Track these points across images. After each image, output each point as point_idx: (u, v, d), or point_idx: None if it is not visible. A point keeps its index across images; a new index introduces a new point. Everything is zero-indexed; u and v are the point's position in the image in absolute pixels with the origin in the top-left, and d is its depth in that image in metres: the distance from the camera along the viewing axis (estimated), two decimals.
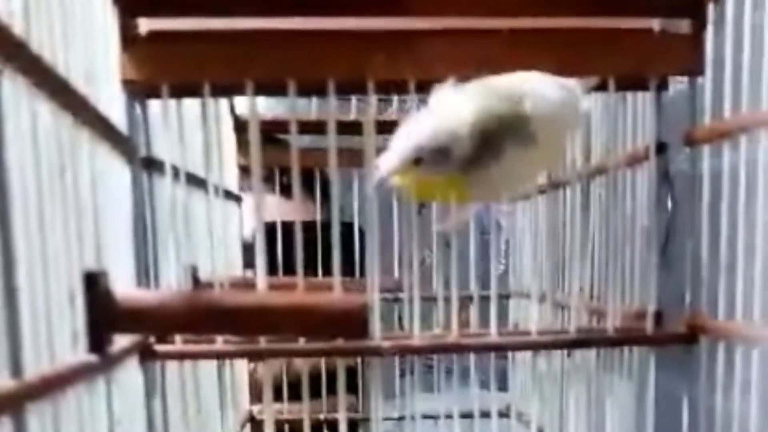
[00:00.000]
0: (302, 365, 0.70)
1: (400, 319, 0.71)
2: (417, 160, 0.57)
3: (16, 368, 0.36)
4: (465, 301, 0.73)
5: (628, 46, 0.64)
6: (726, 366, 0.60)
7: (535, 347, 0.69)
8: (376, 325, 0.65)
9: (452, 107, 0.58)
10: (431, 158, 0.56)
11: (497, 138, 0.58)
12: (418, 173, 0.57)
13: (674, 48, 0.64)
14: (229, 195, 0.94)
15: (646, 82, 0.66)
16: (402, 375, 1.08)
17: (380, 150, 0.64)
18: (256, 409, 1.02)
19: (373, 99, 0.65)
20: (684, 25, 0.64)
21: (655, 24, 0.65)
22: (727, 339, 0.60)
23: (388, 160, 0.57)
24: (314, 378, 1.08)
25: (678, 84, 0.67)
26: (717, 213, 0.61)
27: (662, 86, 0.67)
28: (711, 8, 0.62)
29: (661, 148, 0.67)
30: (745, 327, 0.58)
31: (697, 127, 0.64)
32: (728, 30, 0.60)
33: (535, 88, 0.59)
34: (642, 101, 0.69)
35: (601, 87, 0.66)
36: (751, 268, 0.57)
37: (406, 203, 0.67)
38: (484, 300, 0.71)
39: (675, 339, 0.66)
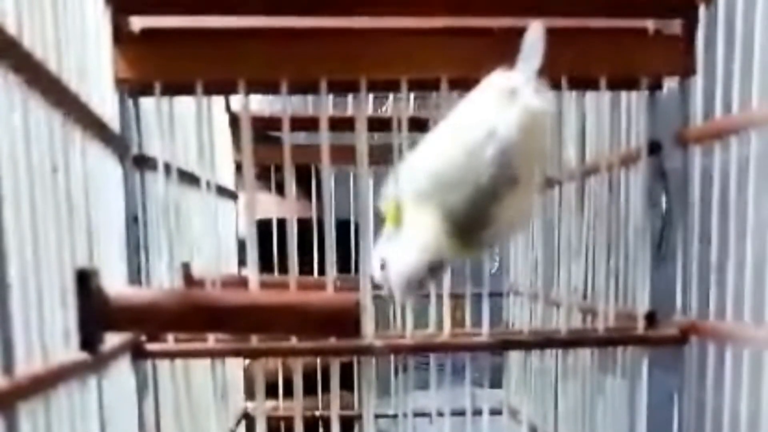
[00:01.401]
0: (296, 362, 0.70)
1: (394, 316, 0.71)
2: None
3: (7, 366, 0.36)
4: (459, 299, 0.73)
5: (621, 46, 0.64)
6: (716, 366, 0.60)
7: (527, 346, 0.69)
8: (368, 324, 0.65)
9: (419, 231, 0.58)
10: (428, 278, 0.59)
11: (483, 209, 0.57)
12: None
13: (667, 48, 0.64)
14: (224, 192, 0.94)
15: (639, 82, 0.66)
16: (396, 372, 1.08)
17: (373, 147, 0.64)
18: (251, 405, 1.02)
19: (365, 96, 0.65)
20: (676, 26, 0.64)
21: (649, 25, 0.65)
22: (718, 340, 0.60)
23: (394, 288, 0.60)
24: (310, 375, 1.08)
25: (672, 84, 0.67)
26: (708, 214, 0.61)
27: (655, 86, 0.67)
28: (703, 9, 0.62)
29: (655, 147, 0.67)
30: (736, 328, 0.58)
31: (688, 128, 0.64)
32: (719, 31, 0.60)
33: (491, 134, 0.57)
34: (636, 101, 0.69)
35: (595, 87, 0.66)
36: (742, 269, 0.57)
37: None
38: (478, 298, 0.71)
39: (666, 340, 0.66)
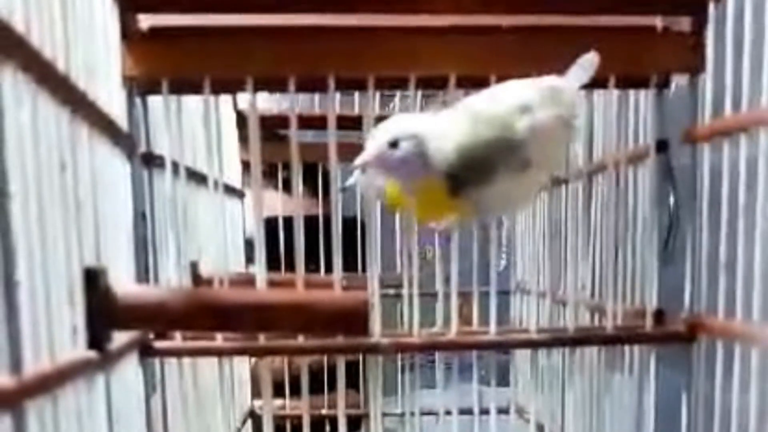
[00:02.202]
0: (303, 361, 0.70)
1: (401, 315, 0.71)
2: (393, 143, 0.57)
3: (15, 365, 0.36)
4: (467, 297, 0.73)
5: (629, 43, 0.64)
6: (725, 364, 0.60)
7: (535, 345, 0.69)
8: (376, 322, 0.65)
9: (441, 126, 0.58)
10: (408, 149, 0.57)
11: (487, 163, 0.58)
12: (395, 174, 0.59)
13: (675, 46, 0.64)
14: (231, 191, 0.94)
15: (647, 79, 0.66)
16: (403, 370, 1.08)
17: None
18: (257, 404, 1.02)
19: (373, 94, 0.64)
20: (685, 23, 0.64)
21: (657, 22, 0.65)
22: (727, 338, 0.60)
23: (369, 146, 0.58)
24: (316, 373, 1.08)
25: (680, 81, 0.67)
26: (717, 212, 0.61)
27: (664, 84, 0.67)
28: (712, 6, 0.62)
29: (663, 145, 0.67)
30: (745, 326, 0.58)
31: (697, 126, 0.64)
32: (729, 28, 0.60)
33: (527, 109, 0.58)
34: (644, 99, 0.69)
35: (603, 85, 0.66)
36: (751, 267, 0.57)
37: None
38: (486, 296, 0.71)
39: (674, 337, 0.66)
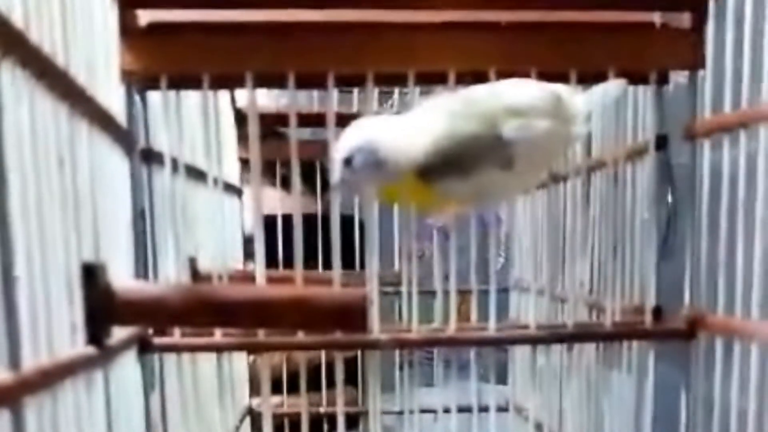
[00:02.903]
0: (301, 357, 0.70)
1: (400, 312, 0.71)
2: (347, 161, 0.58)
3: (13, 361, 0.36)
4: (465, 294, 0.73)
5: (629, 39, 0.64)
6: (724, 361, 0.60)
7: (534, 341, 0.69)
8: (375, 319, 0.65)
9: (411, 123, 0.59)
10: (362, 162, 0.57)
11: (468, 157, 0.58)
12: (364, 184, 0.60)
13: (675, 42, 0.64)
14: (230, 188, 0.94)
15: (646, 75, 0.66)
16: (401, 367, 1.08)
17: None
18: (255, 402, 1.02)
19: (372, 89, 0.64)
20: (685, 19, 0.64)
21: (656, 18, 0.65)
22: (726, 334, 0.60)
23: (334, 163, 0.59)
24: (314, 370, 1.08)
25: (679, 78, 0.67)
26: (717, 208, 0.61)
27: (663, 80, 0.67)
28: (712, 2, 0.62)
29: (662, 141, 0.67)
30: (744, 322, 0.57)
31: (697, 122, 0.64)
32: (729, 24, 0.60)
33: (521, 113, 0.58)
34: (643, 95, 0.69)
35: (602, 81, 0.66)
36: (750, 263, 0.56)
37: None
38: (484, 293, 0.71)
39: (674, 334, 0.66)
